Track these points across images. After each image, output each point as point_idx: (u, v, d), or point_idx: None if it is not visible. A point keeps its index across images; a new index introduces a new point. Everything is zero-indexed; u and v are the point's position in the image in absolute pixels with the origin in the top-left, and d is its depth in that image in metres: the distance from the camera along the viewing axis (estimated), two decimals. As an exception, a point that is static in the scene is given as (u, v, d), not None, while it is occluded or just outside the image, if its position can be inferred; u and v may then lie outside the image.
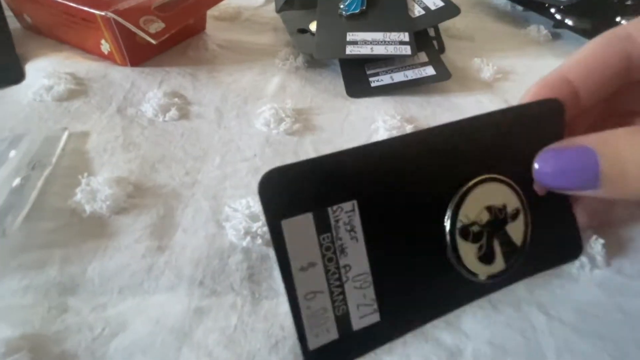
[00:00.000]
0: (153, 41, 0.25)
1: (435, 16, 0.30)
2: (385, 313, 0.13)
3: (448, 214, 0.13)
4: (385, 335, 0.13)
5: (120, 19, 0.24)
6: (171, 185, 0.20)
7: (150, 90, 0.25)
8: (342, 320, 0.12)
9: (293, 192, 0.12)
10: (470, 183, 0.14)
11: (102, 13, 0.25)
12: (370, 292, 0.12)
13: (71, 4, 0.26)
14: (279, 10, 0.34)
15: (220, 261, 0.16)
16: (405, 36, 0.28)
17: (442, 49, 0.32)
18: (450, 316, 0.15)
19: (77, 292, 0.15)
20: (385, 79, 0.28)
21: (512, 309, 0.16)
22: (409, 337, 0.15)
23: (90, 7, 0.25)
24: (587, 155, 0.12)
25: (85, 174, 0.19)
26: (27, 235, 0.16)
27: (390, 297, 0.13)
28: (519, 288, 0.17)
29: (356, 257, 0.12)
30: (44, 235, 0.17)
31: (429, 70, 0.27)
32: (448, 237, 0.13)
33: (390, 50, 0.27)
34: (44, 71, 0.25)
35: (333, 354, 0.12)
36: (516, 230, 0.14)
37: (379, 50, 0.27)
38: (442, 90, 0.28)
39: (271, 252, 0.17)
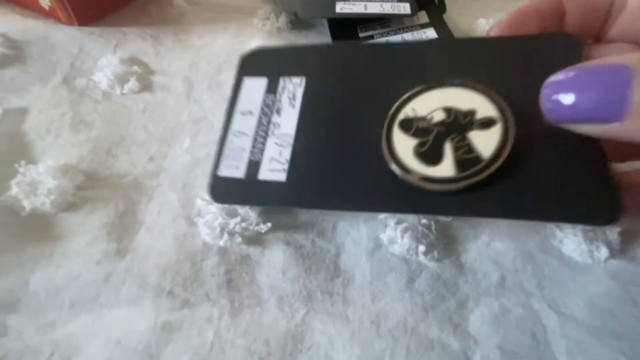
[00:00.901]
0: (101, -6, 0.20)
1: (437, -32, 0.26)
2: (292, 177, 0.13)
3: (394, 106, 0.13)
4: (284, 198, 0.13)
5: (56, -35, 0.20)
6: (132, 174, 0.16)
7: (103, 56, 0.21)
8: (253, 166, 0.14)
9: (261, 62, 0.15)
10: (431, 83, 0.13)
11: (34, -44, 0.20)
12: (287, 153, 0.13)
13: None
14: (256, -41, 0.29)
15: (192, 266, 0.14)
16: (405, 7, 0.25)
17: (443, 7, 0.28)
18: (457, 317, 0.14)
19: (18, 310, 0.13)
20: (380, 42, 0.24)
21: (522, 308, 0.14)
22: (412, 344, 0.13)
23: (18, -52, 0.20)
24: (617, 71, 0.10)
25: (23, 162, 0.16)
26: (-51, 242, 0.13)
27: (302, 165, 0.13)
28: (528, 282, 0.15)
29: (287, 120, 0.14)
30: (-28, 240, 0.14)
31: (430, 33, 0.24)
32: (385, 126, 0.12)
33: (387, 8, 0.24)
34: (-32, 32, 0.21)
35: (234, 189, 0.14)
36: (484, 141, 0.11)
37: (374, 8, 0.24)
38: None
39: (252, 252, 0.15)
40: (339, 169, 0.13)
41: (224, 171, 0.14)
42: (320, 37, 0.25)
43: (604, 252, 0.16)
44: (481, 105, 0.12)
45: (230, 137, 0.14)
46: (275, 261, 0.15)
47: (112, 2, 0.22)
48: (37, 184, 0.15)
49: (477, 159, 0.11)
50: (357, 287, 0.14)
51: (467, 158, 0.11)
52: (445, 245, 0.16)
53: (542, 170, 0.11)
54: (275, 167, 0.13)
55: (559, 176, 0.11)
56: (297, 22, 0.26)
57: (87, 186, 0.16)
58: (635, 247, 0.16)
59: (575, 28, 0.14)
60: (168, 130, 0.19)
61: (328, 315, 0.13)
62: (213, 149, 0.19)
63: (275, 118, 0.14)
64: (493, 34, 0.14)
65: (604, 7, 0.14)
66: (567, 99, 0.10)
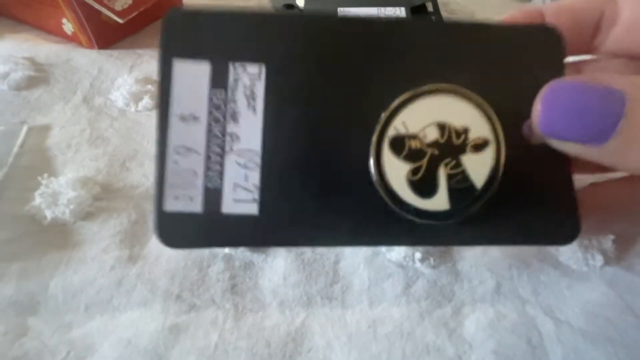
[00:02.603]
0: (119, 19, 0.22)
1: (434, -11, 0.28)
2: (266, 210, 0.11)
3: (382, 118, 0.11)
4: (259, 236, 0.11)
5: (80, -5, 0.22)
6: (144, 186, 0.18)
7: (119, 76, 0.23)
8: (212, 195, 0.10)
9: (197, 34, 0.10)
10: (422, 89, 0.11)
11: (60, -12, 0.22)
12: (255, 177, 0.11)
13: (24, -22, 0.23)
14: (262, -17, 0.31)
15: (199, 271, 0.15)
16: (401, 11, 0.26)
17: (439, 18, 0.29)
18: (453, 322, 0.14)
19: (38, 312, 0.13)
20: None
21: (517, 314, 0.15)
22: (408, 348, 0.14)
23: (46, -19, 0.22)
24: (612, 96, 0.09)
25: (46, 175, 0.17)
26: (-22, 248, 0.15)
27: (277, 193, 0.11)
28: (524, 289, 0.15)
29: (248, 130, 0.11)
30: (-2, 246, 0.15)
31: (427, 50, 0.25)
32: (373, 146, 0.11)
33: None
34: (-1, 56, 0.23)
35: (190, 230, 0.10)
36: (478, 166, 0.11)
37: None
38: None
39: (256, 259, 0.15)
40: (322, 197, 0.11)
41: (173, 204, 0.10)
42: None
43: (599, 259, 0.16)
44: (474, 121, 0.11)
45: (172, 155, 0.10)
46: (277, 267, 0.15)
47: (128, 26, 0.24)
48: (58, 195, 0.16)
49: (470, 188, 0.11)
50: (356, 293, 0.15)
51: (460, 188, 0.11)
52: (442, 253, 0.16)
53: (519, 197, 0.11)
54: (242, 197, 0.11)
55: (533, 203, 0.11)
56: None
57: (103, 197, 0.17)
58: (630, 256, 0.17)
59: None
60: (178, 145, 0.20)
61: (327, 319, 0.14)
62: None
63: (231, 126, 0.11)
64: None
65: (591, 22, 0.14)
66: (559, 117, 0.10)
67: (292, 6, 0.28)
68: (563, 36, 0.12)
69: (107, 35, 0.25)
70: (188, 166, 0.10)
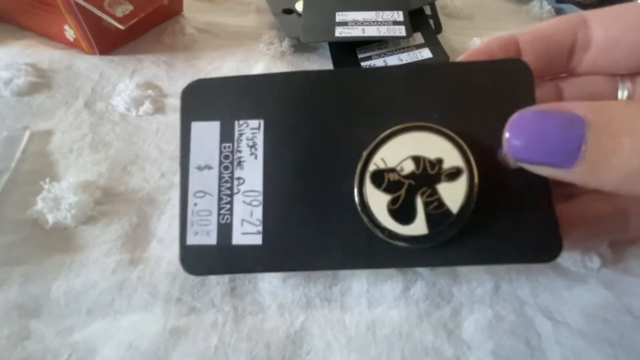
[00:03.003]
0: (120, 26, 0.22)
1: (432, -8, 0.28)
2: (269, 240, 0.13)
3: (363, 155, 0.12)
4: (263, 263, 0.13)
5: (81, 2, 0.22)
6: (145, 190, 0.18)
7: (121, 81, 0.23)
8: (224, 229, 0.13)
9: (208, 101, 0.13)
10: (397, 127, 0.12)
11: (62, -5, 0.22)
12: (258, 212, 0.13)
13: (27, -15, 0.23)
14: (262, -12, 0.31)
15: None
16: (399, 15, 0.26)
17: (439, 28, 0.30)
18: (451, 324, 0.14)
19: (41, 315, 0.14)
20: (378, 63, 0.26)
21: (515, 315, 0.15)
22: (407, 350, 0.14)
23: (48, -12, 0.22)
24: (573, 120, 0.10)
25: (48, 179, 0.17)
26: (-19, 253, 0.15)
27: (277, 225, 0.13)
28: (522, 291, 0.15)
29: (252, 173, 0.13)
30: (1, 250, 0.15)
31: (425, 53, 0.25)
32: (356, 181, 0.12)
33: (383, 31, 0.25)
34: (2, 62, 0.23)
35: (208, 258, 0.13)
36: (452, 193, 0.12)
37: (371, 31, 0.25)
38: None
39: (255, 262, 0.16)
40: (315, 228, 0.13)
41: (193, 239, 0.13)
42: (322, 59, 0.27)
43: (596, 262, 0.16)
44: (447, 152, 0.12)
45: (192, 199, 0.13)
46: (276, 270, 0.15)
47: (130, 32, 0.24)
48: (60, 199, 0.16)
49: (446, 213, 0.12)
50: (355, 295, 0.15)
51: (437, 213, 0.12)
52: (440, 255, 0.16)
53: (499, 218, 0.12)
54: (248, 230, 0.13)
55: (513, 223, 0.12)
56: (300, 46, 0.28)
57: (105, 201, 0.17)
58: (627, 259, 0.17)
59: (532, 67, 0.14)
60: (178, 149, 0.20)
61: (326, 321, 0.14)
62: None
63: (238, 172, 0.13)
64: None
65: (565, 46, 0.14)
66: (526, 143, 0.11)
67: (290, 10, 0.28)
68: (530, 68, 0.13)
69: (108, 41, 0.25)
70: (204, 207, 0.13)
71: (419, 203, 0.12)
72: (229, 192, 0.13)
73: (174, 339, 0.13)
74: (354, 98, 0.13)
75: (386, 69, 0.14)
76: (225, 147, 0.13)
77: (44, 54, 0.24)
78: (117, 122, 0.21)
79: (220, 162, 0.13)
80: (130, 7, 0.23)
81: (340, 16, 0.26)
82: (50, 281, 0.14)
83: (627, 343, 0.14)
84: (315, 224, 0.13)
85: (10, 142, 0.19)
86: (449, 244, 0.12)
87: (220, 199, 0.13)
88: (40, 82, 0.23)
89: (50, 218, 0.16)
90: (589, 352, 0.14)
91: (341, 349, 0.13)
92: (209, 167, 0.13)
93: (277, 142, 0.13)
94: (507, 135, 0.11)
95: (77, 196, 0.16)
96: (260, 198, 0.13)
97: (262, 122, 0.13)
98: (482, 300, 0.15)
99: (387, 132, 0.12)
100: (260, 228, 0.13)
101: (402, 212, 0.12)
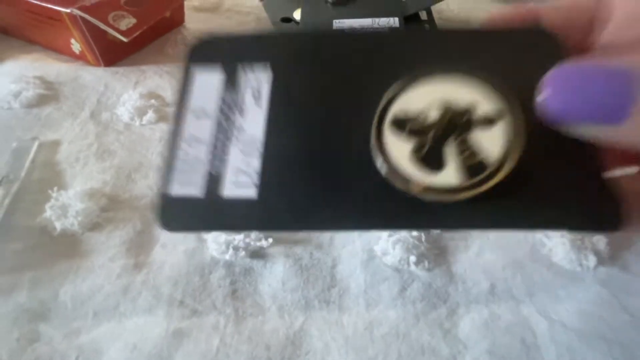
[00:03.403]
0: (124, 39, 0.23)
1: (427, -2, 0.28)
2: (265, 194, 0.11)
3: (382, 102, 0.11)
4: (256, 220, 0.11)
5: (87, 16, 0.23)
6: (149, 196, 0.18)
7: (125, 92, 0.24)
8: (213, 181, 0.11)
9: (215, 49, 0.13)
10: (421, 71, 0.11)
11: (68, 10, 0.23)
12: (255, 163, 0.11)
13: (35, 2, 0.24)
14: (261, -2, 0.32)
15: (201, 278, 0.15)
16: (395, 21, 0.27)
17: (433, 26, 0.30)
18: (448, 323, 0.15)
19: (49, 318, 0.14)
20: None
21: (511, 314, 0.15)
22: (404, 349, 0.14)
23: (55, 4, 0.23)
24: (620, 75, 0.09)
25: (55, 188, 0.18)
26: (-8, 259, 0.15)
27: (276, 178, 0.11)
28: (518, 290, 0.16)
29: (253, 121, 0.12)
30: (11, 257, 0.16)
31: (421, 58, 0.26)
32: (374, 126, 0.11)
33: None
34: (11, 75, 0.24)
35: (191, 213, 0.11)
36: (488, 141, 0.10)
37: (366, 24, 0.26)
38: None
39: (255, 265, 0.16)
40: (321, 180, 0.11)
41: (177, 189, 0.11)
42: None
43: (592, 260, 0.16)
44: (480, 98, 0.11)
45: (182, 145, 0.11)
46: (276, 273, 0.16)
47: (133, 44, 0.25)
48: (67, 207, 0.17)
49: (483, 163, 0.10)
50: (352, 296, 0.15)
51: (471, 163, 0.10)
52: (436, 256, 0.17)
53: (545, 177, 0.10)
54: (242, 181, 0.11)
55: (562, 183, 0.10)
56: (298, 54, 0.28)
57: (110, 208, 0.18)
58: (625, 255, 0.17)
59: None
60: (181, 156, 0.20)
61: (324, 322, 0.14)
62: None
63: (238, 120, 0.12)
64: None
65: (585, 20, 0.14)
66: (568, 98, 0.10)
67: (289, 19, 0.29)
68: (558, 34, 0.12)
69: (112, 53, 0.26)
70: (194, 154, 0.11)
71: (450, 150, 0.10)
72: (224, 139, 0.11)
73: (177, 340, 0.14)
74: (375, 55, 0.12)
75: (405, 31, 0.13)
76: (227, 95, 0.12)
77: (51, 67, 0.25)
78: (121, 132, 0.22)
79: (220, 109, 0.12)
80: (133, 20, 0.24)
81: (337, 24, 0.27)
82: (58, 286, 0.15)
83: (622, 340, 0.14)
84: (321, 175, 0.11)
85: (20, 153, 0.20)
86: (484, 201, 0.10)
87: (214, 146, 0.11)
88: (48, 94, 0.23)
89: (58, 225, 0.16)
90: (584, 350, 0.14)
91: (339, 349, 0.14)
92: (206, 114, 0.12)
93: (284, 92, 0.12)
94: (545, 90, 0.10)
95: (83, 204, 0.17)
96: (260, 147, 0.11)
97: (269, 70, 0.12)
98: (477, 299, 0.15)
99: (408, 77, 0.11)
100: (256, 180, 0.11)
101: (430, 158, 0.10)
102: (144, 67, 0.26)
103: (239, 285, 0.15)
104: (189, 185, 0.11)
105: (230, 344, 0.14)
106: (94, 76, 0.25)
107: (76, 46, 0.25)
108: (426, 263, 0.16)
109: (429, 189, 0.10)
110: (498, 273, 0.16)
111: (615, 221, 0.10)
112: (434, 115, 0.11)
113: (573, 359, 0.14)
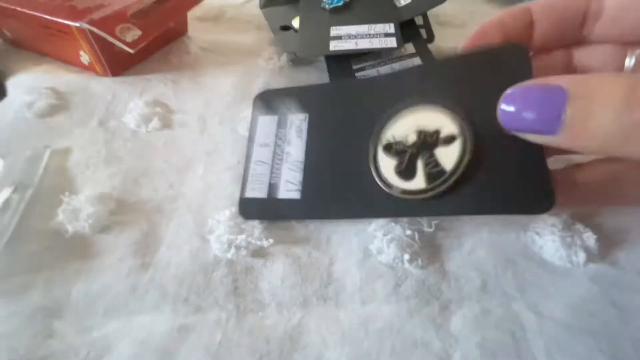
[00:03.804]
0: (130, 50, 0.24)
1: (423, 3, 0.29)
2: (305, 195, 0.17)
3: (376, 131, 0.16)
4: (299, 212, 0.17)
5: (95, 30, 0.24)
6: (155, 200, 0.19)
7: (131, 100, 0.25)
8: (273, 188, 0.18)
9: (271, 103, 0.20)
10: (401, 108, 0.16)
11: (77, 24, 0.24)
12: (298, 176, 0.17)
13: (46, 17, 0.25)
14: (262, 6, 0.33)
15: (204, 276, 0.16)
16: (390, 27, 0.27)
17: (431, 37, 0.31)
18: (440, 319, 0.15)
19: (63, 316, 0.15)
20: (371, 73, 0.27)
21: (502, 310, 0.16)
22: (397, 344, 0.15)
23: (65, 18, 0.25)
24: (555, 92, 0.11)
25: (67, 193, 0.19)
26: (9, 260, 0.16)
27: (312, 185, 0.17)
28: (509, 286, 0.16)
29: (297, 149, 0.18)
30: (27, 259, 0.17)
31: (416, 62, 0.27)
32: (372, 150, 0.16)
33: (375, 43, 0.26)
34: (24, 86, 0.25)
35: (259, 207, 0.17)
36: (447, 155, 0.14)
37: (364, 44, 0.27)
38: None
39: (256, 263, 0.17)
40: (339, 187, 0.17)
41: (249, 193, 0.18)
42: (318, 71, 0.28)
43: (582, 256, 0.17)
44: (445, 123, 0.15)
45: (252, 165, 0.18)
46: (275, 271, 0.17)
47: (139, 54, 0.26)
48: (79, 210, 0.18)
49: (442, 171, 0.14)
50: (348, 293, 0.16)
51: (434, 172, 0.15)
52: (430, 254, 0.17)
53: (492, 174, 0.14)
54: (290, 188, 0.17)
55: (505, 178, 0.14)
56: (297, 60, 0.29)
57: (118, 211, 0.19)
58: (615, 252, 0.17)
59: (545, 37, 0.15)
60: (185, 161, 0.21)
61: (322, 318, 0.15)
62: (223, 175, 0.22)
63: (287, 148, 0.18)
64: (461, 47, 0.16)
65: (577, 15, 0.15)
66: (515, 113, 0.12)
67: (288, 27, 0.30)
68: (527, 49, 0.14)
69: (119, 63, 0.27)
70: (261, 172, 0.18)
71: (420, 164, 0.15)
72: (279, 162, 0.18)
73: (182, 335, 0.15)
74: (373, 96, 0.17)
75: (399, 72, 0.18)
76: (280, 132, 0.18)
77: (62, 78, 0.26)
78: (128, 138, 0.23)
79: (275, 142, 0.18)
80: (139, 32, 0.25)
81: (334, 30, 0.28)
82: (70, 285, 0.16)
83: (610, 334, 0.15)
84: (339, 184, 0.17)
85: (33, 160, 0.21)
86: (446, 197, 0.14)
87: (272, 166, 0.18)
88: (59, 103, 0.24)
89: (70, 228, 0.17)
90: (572, 344, 0.14)
91: (335, 343, 0.14)
92: (267, 145, 0.18)
93: (317, 127, 0.18)
94: (500, 107, 0.13)
95: (93, 207, 0.18)
96: (302, 166, 0.17)
97: (306, 115, 0.18)
98: (469, 296, 0.16)
99: (395, 109, 0.16)
100: (299, 187, 0.17)
101: (406, 171, 0.15)
102: (149, 76, 0.27)
103: (240, 283, 0.16)
104: (257, 191, 0.18)
105: (232, 339, 0.14)
106: (102, 86, 0.26)
107: (85, 57, 0.26)
108: (420, 261, 0.17)
109: (405, 192, 0.15)
110: (490, 270, 0.17)
111: (546, 205, 0.13)
112: (412, 137, 0.15)
113: (562, 351, 0.14)
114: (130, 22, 0.25)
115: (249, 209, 0.18)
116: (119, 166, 0.21)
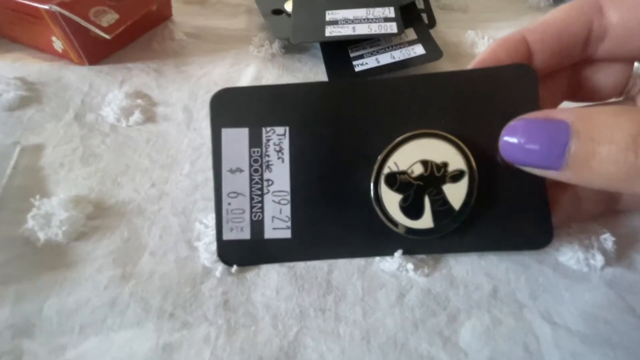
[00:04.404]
0: (106, 36, 0.22)
1: (424, -15, 0.27)
2: (297, 233, 0.15)
3: (378, 159, 0.14)
4: (293, 253, 0.15)
5: (66, 13, 0.22)
6: (135, 201, 0.18)
7: (110, 91, 0.23)
8: (256, 225, 0.15)
9: (236, 108, 0.14)
10: (408, 134, 0.14)
11: (47, 7, 0.22)
12: (287, 210, 0.14)
13: (12, -2, 0.23)
14: (251, -11, 0.31)
15: (192, 288, 0.15)
16: (390, 11, 0.25)
17: (432, 22, 0.29)
18: (447, 331, 0.14)
19: (33, 334, 0.14)
20: (370, 62, 0.25)
21: (514, 319, 0.14)
22: (402, 359, 0.13)
23: (33, 0, 0.22)
24: (559, 128, 0.11)
25: (38, 196, 0.17)
26: (-27, 273, 0.15)
27: (304, 221, 0.15)
28: (521, 293, 0.15)
29: (280, 175, 0.14)
30: (-7, 270, 0.15)
31: (418, 49, 0.25)
32: (372, 182, 0.14)
33: (374, 29, 0.25)
34: (-9, 77, 0.23)
35: (243, 251, 0.15)
36: (455, 193, 0.14)
37: (362, 29, 0.25)
38: (433, 70, 0.25)
39: (248, 273, 0.15)
40: (337, 222, 0.15)
41: (228, 235, 0.15)
42: (314, 59, 0.27)
43: (599, 259, 0.16)
44: (452, 157, 0.14)
45: (226, 199, 0.14)
46: (269, 281, 0.15)
47: (118, 40, 0.24)
48: (51, 216, 0.16)
49: (450, 210, 0.14)
50: (349, 304, 0.15)
51: (442, 210, 0.14)
52: (436, 259, 0.16)
53: (497, 211, 0.14)
54: (278, 225, 0.14)
55: (508, 216, 0.14)
56: (290, 47, 0.27)
57: (96, 215, 0.17)
58: (632, 255, 0.16)
59: (546, 64, 0.14)
60: (170, 157, 0.20)
61: (320, 332, 0.14)
62: (211, 173, 0.20)
63: (267, 174, 0.14)
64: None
65: (577, 38, 0.14)
66: (518, 145, 0.12)
67: (280, 11, 0.28)
68: (535, 71, 0.14)
69: (96, 50, 0.25)
70: (238, 206, 0.14)
71: (427, 201, 0.14)
72: (259, 192, 0.14)
73: (167, 354, 0.13)
74: (369, 107, 0.14)
75: (398, 79, 0.15)
76: (254, 152, 0.14)
77: (33, 67, 0.24)
78: (107, 134, 0.21)
79: (250, 166, 0.14)
80: (116, 16, 0.23)
81: (330, 15, 0.26)
82: (42, 300, 0.14)
83: (628, 344, 0.14)
84: (337, 219, 0.15)
85: (1, 158, 0.19)
86: (452, 234, 0.14)
87: (252, 198, 0.14)
88: (30, 95, 0.22)
89: (42, 235, 0.16)
90: (589, 356, 0.13)
91: (335, 359, 0.13)
92: (240, 170, 0.14)
93: (302, 147, 0.15)
94: (502, 141, 0.12)
95: (68, 212, 0.16)
96: (288, 197, 0.14)
97: (287, 128, 0.14)
98: (479, 304, 0.15)
99: (400, 138, 0.14)
100: (289, 224, 0.14)
101: (412, 209, 0.14)
102: (129, 65, 0.25)
103: (230, 295, 0.15)
104: (237, 230, 0.14)
105: (222, 357, 0.13)
106: (78, 75, 0.24)
107: (58, 44, 0.24)
108: (425, 268, 0.15)
109: (412, 231, 0.14)
110: (501, 275, 0.16)
111: (546, 240, 0.15)
112: (417, 170, 0.14)
113: (578, 365, 0.13)
114: (106, 4, 0.23)
115: (231, 253, 0.15)
116: (97, 165, 0.19)
